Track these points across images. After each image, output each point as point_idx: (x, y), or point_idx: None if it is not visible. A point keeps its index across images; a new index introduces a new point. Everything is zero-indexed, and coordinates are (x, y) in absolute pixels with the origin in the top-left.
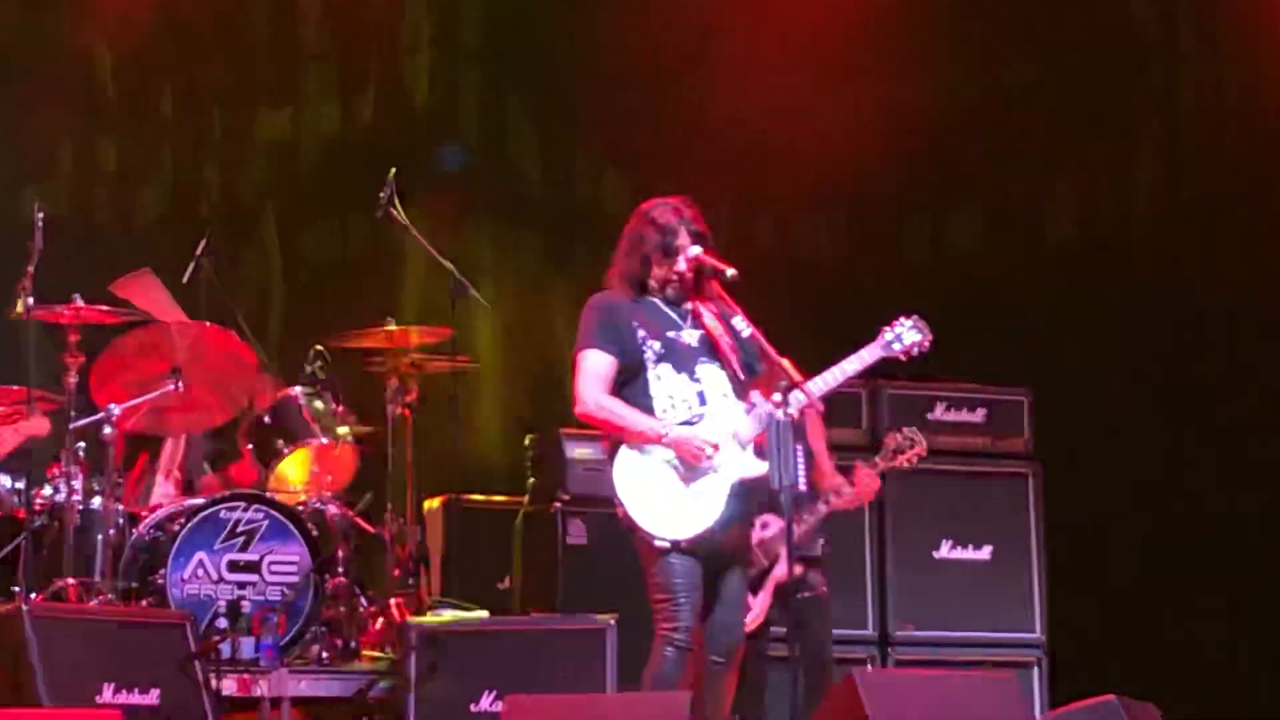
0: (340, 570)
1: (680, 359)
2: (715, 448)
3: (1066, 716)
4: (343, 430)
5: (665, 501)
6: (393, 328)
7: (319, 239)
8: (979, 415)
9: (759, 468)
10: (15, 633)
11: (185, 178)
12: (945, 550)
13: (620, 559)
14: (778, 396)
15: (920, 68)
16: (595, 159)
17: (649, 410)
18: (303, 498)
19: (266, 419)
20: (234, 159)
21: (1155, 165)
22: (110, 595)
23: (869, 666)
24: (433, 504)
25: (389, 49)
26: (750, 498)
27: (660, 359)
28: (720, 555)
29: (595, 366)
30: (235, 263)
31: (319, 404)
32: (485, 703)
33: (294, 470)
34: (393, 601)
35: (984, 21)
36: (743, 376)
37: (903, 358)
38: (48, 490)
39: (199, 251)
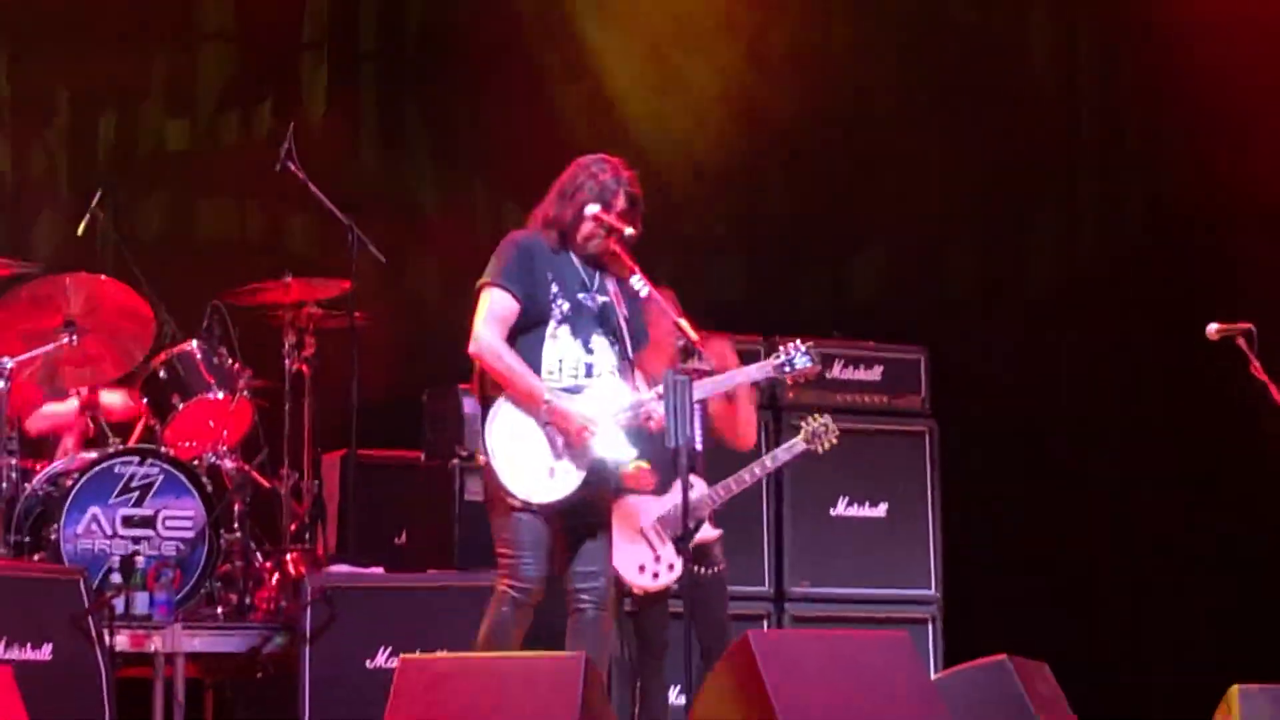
0: (236, 525)
1: (580, 324)
2: (592, 432)
3: (959, 675)
4: (238, 385)
5: (529, 463)
6: (289, 281)
7: (216, 191)
8: (876, 373)
9: (626, 453)
10: None
11: (82, 127)
12: (841, 507)
13: None
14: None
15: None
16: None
17: (535, 367)
18: (197, 453)
19: (162, 374)
20: (133, 109)
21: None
22: (2, 550)
23: (765, 625)
24: (330, 459)
25: None
26: (611, 472)
27: (563, 319)
28: (574, 517)
29: (498, 307)
30: (131, 214)
31: (215, 358)
32: (381, 659)
33: (189, 425)
34: (289, 557)
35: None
36: (630, 355)
37: (789, 381)
38: None
39: (94, 203)
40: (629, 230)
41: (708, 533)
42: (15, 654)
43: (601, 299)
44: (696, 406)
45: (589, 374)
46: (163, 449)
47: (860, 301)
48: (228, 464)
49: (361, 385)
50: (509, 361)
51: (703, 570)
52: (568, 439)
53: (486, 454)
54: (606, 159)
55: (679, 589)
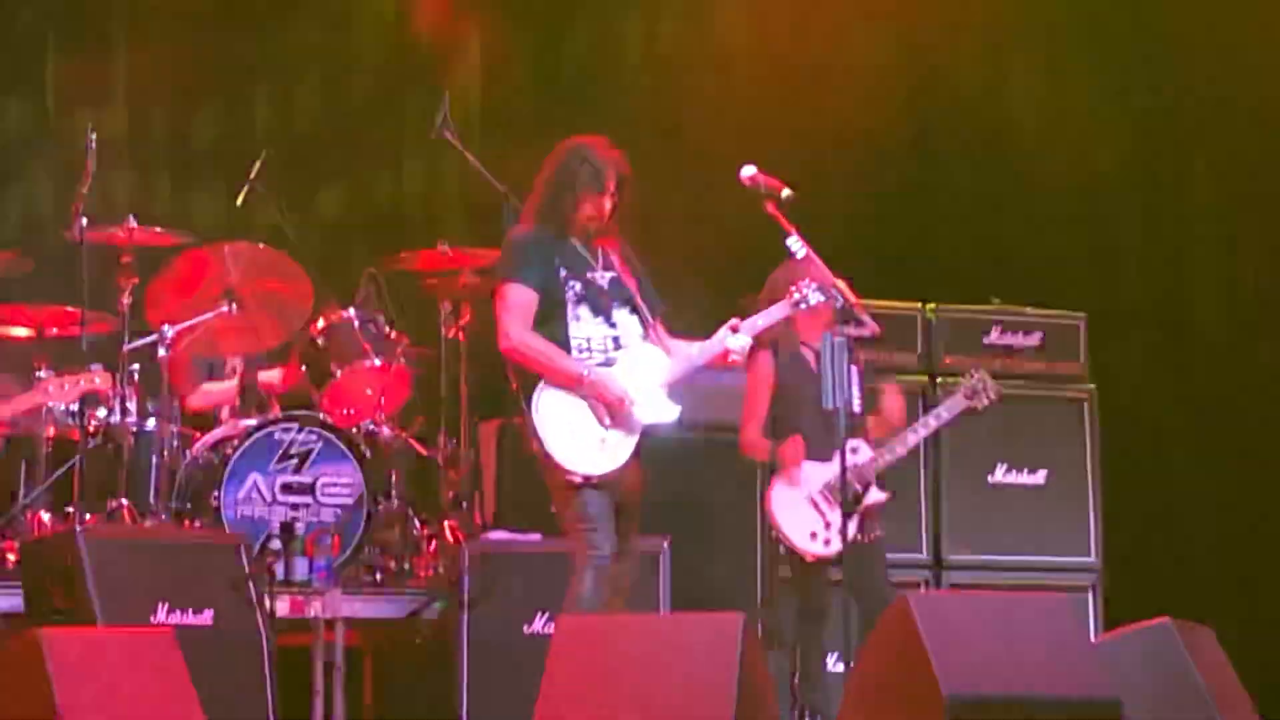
0: (393, 493)
1: (597, 301)
2: (633, 399)
3: (1121, 639)
4: (395, 353)
5: (581, 439)
6: (446, 250)
7: (373, 160)
8: (1034, 339)
9: (671, 412)
10: (71, 553)
11: (239, 102)
12: (1000, 474)
13: (674, 482)
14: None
15: None
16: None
17: (565, 349)
18: (356, 420)
19: (320, 341)
20: (288, 83)
21: None
22: (164, 516)
23: (922, 589)
24: (486, 426)
25: None
26: (645, 441)
27: (580, 300)
28: (620, 492)
29: (519, 300)
30: (289, 185)
31: (372, 326)
32: (538, 624)
33: (347, 393)
34: (446, 524)
35: None
36: (651, 319)
37: (809, 315)
38: (102, 412)
39: (252, 174)
40: (787, 191)
41: (876, 496)
42: (177, 619)
43: (609, 274)
44: (854, 368)
45: (618, 346)
46: (321, 416)
47: (1020, 267)
48: (385, 431)
49: None
50: (541, 348)
51: (861, 536)
52: (611, 410)
53: (538, 440)
54: (590, 141)
55: (838, 556)
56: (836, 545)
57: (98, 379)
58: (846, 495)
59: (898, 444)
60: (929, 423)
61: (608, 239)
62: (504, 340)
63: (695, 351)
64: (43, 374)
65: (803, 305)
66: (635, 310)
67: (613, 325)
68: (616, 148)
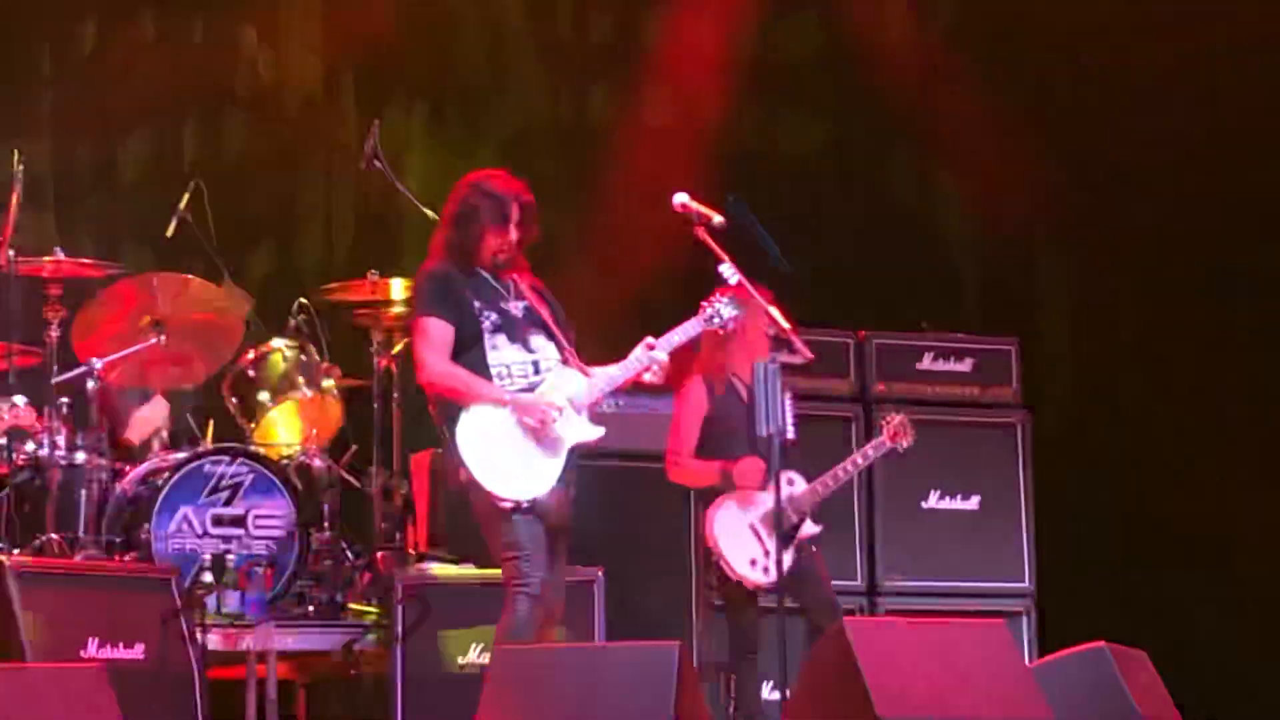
0: (326, 524)
1: (513, 329)
2: (560, 410)
3: (1056, 664)
4: (327, 383)
5: (509, 463)
6: (376, 279)
7: (302, 191)
8: (967, 365)
9: (595, 433)
10: None
11: (167, 132)
12: (934, 500)
13: (609, 512)
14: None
15: None
16: None
17: (485, 377)
18: (287, 452)
19: (251, 373)
20: (216, 114)
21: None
22: (94, 550)
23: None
24: (419, 457)
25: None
26: (573, 464)
27: (496, 329)
28: (550, 519)
29: (435, 334)
30: (218, 215)
31: (303, 357)
32: (473, 655)
33: (278, 424)
34: (379, 555)
35: None
36: (567, 346)
37: (720, 331)
38: (30, 445)
39: (181, 205)
40: (718, 218)
41: (811, 529)
42: (108, 653)
43: (521, 304)
44: (786, 397)
45: (537, 371)
46: (252, 448)
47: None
48: (317, 463)
49: None
50: (463, 378)
51: (802, 558)
52: (537, 430)
53: (465, 468)
54: (492, 174)
55: (779, 584)
56: (774, 574)
57: (20, 412)
58: (780, 524)
59: (829, 478)
60: (857, 461)
61: (516, 270)
62: (423, 374)
63: (616, 371)
64: None
65: (715, 320)
66: (551, 336)
67: (531, 350)
68: (517, 179)
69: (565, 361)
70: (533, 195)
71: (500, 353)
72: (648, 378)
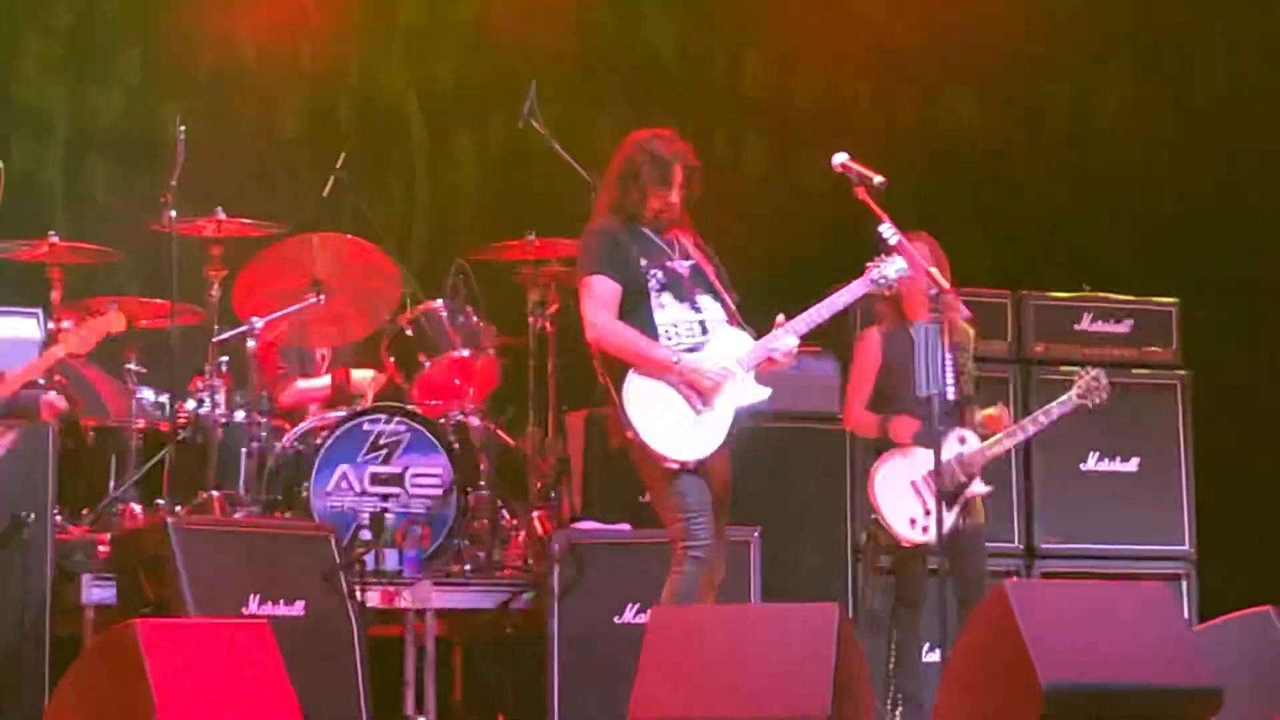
0: (482, 483)
1: (680, 288)
2: (730, 374)
3: (1221, 627)
4: (484, 343)
5: (675, 425)
6: (534, 240)
7: (460, 152)
8: (1126, 326)
9: (762, 394)
10: (161, 545)
11: (326, 92)
12: (1092, 462)
13: (765, 472)
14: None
15: None
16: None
17: (652, 337)
18: (445, 411)
19: (408, 332)
20: (375, 76)
21: None
22: (255, 508)
23: (1014, 578)
24: (574, 417)
25: None
26: (739, 426)
27: (663, 288)
28: (713, 481)
29: (603, 292)
30: (376, 176)
31: (460, 317)
32: (629, 615)
33: (435, 383)
34: (535, 515)
35: None
36: (732, 307)
37: (886, 293)
38: (191, 404)
39: (339, 165)
40: (879, 179)
41: (979, 488)
42: (269, 610)
43: (687, 263)
44: (949, 356)
45: (704, 331)
46: (410, 406)
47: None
48: (474, 422)
49: None
50: (630, 336)
51: (964, 522)
52: (703, 393)
53: (632, 428)
54: (659, 133)
55: (938, 544)
56: (934, 533)
57: (113, 321)
58: (945, 484)
59: (1006, 437)
60: (1039, 420)
61: (681, 229)
62: (591, 331)
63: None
64: (66, 325)
65: (881, 283)
66: (716, 296)
67: (697, 310)
68: (683, 139)
69: (731, 322)
70: (696, 157)
71: (667, 311)
72: (777, 358)
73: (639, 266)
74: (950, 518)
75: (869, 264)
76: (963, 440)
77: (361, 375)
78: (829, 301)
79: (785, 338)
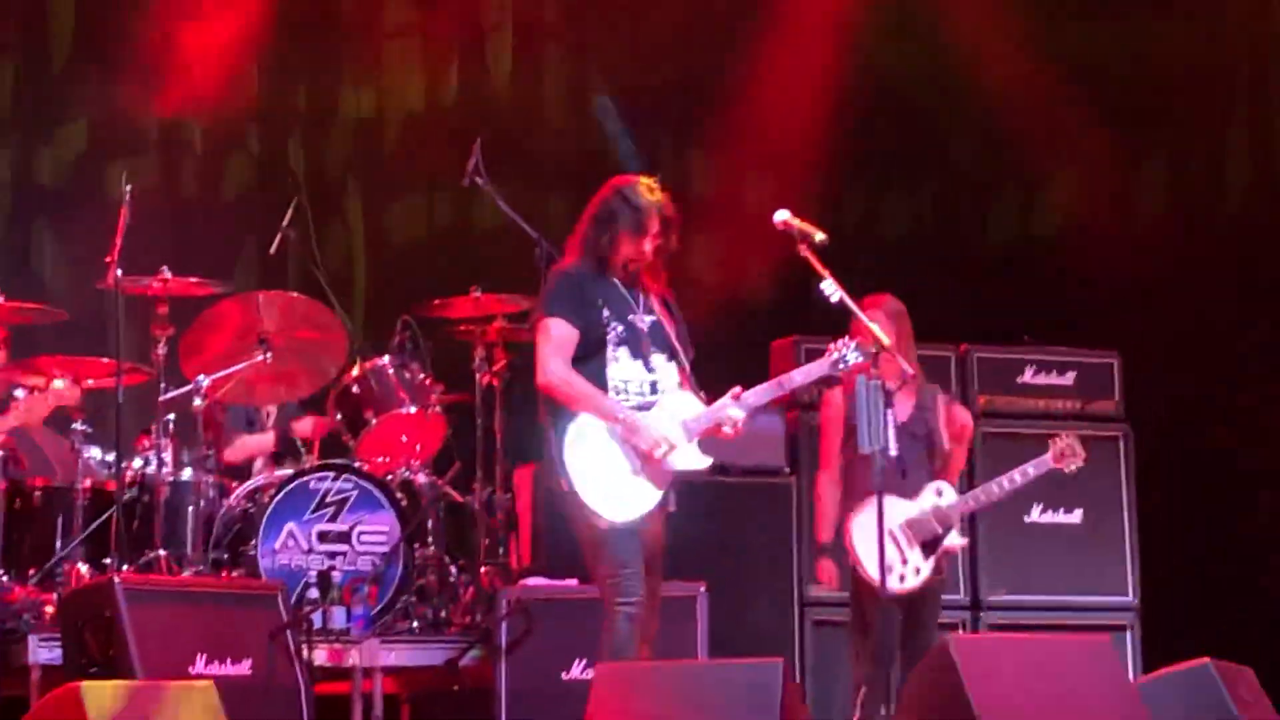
0: (430, 540)
1: (637, 345)
2: (671, 445)
3: (1161, 680)
4: (430, 400)
5: (611, 480)
6: (479, 296)
7: (405, 208)
8: (1068, 378)
9: (703, 463)
10: (108, 605)
11: (271, 151)
12: (1036, 514)
13: (711, 526)
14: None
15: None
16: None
17: (602, 390)
18: (392, 468)
19: (355, 389)
20: (319, 133)
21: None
22: (201, 567)
23: (960, 630)
24: (522, 472)
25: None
26: (674, 487)
27: (621, 342)
28: (646, 533)
29: (560, 336)
30: (321, 233)
31: (406, 374)
32: (576, 670)
33: (382, 440)
34: (482, 570)
35: None
36: (687, 369)
37: (842, 378)
38: (138, 462)
39: (285, 223)
40: (820, 235)
41: (955, 540)
42: (216, 669)
43: (649, 318)
44: (889, 413)
45: (654, 391)
46: (357, 464)
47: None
48: (421, 478)
49: None
50: (581, 387)
51: (933, 576)
52: (645, 455)
53: (568, 480)
54: (640, 180)
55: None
56: (911, 583)
57: (65, 393)
58: (922, 535)
59: (981, 493)
60: (1015, 479)
61: (650, 282)
62: (542, 375)
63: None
64: (19, 394)
65: (841, 366)
66: (673, 357)
67: (651, 370)
68: (663, 189)
69: (683, 386)
70: (674, 209)
71: (620, 366)
72: (725, 430)
73: (600, 316)
74: (927, 568)
75: (830, 345)
76: (939, 493)
77: (302, 424)
78: (785, 378)
79: (734, 410)
